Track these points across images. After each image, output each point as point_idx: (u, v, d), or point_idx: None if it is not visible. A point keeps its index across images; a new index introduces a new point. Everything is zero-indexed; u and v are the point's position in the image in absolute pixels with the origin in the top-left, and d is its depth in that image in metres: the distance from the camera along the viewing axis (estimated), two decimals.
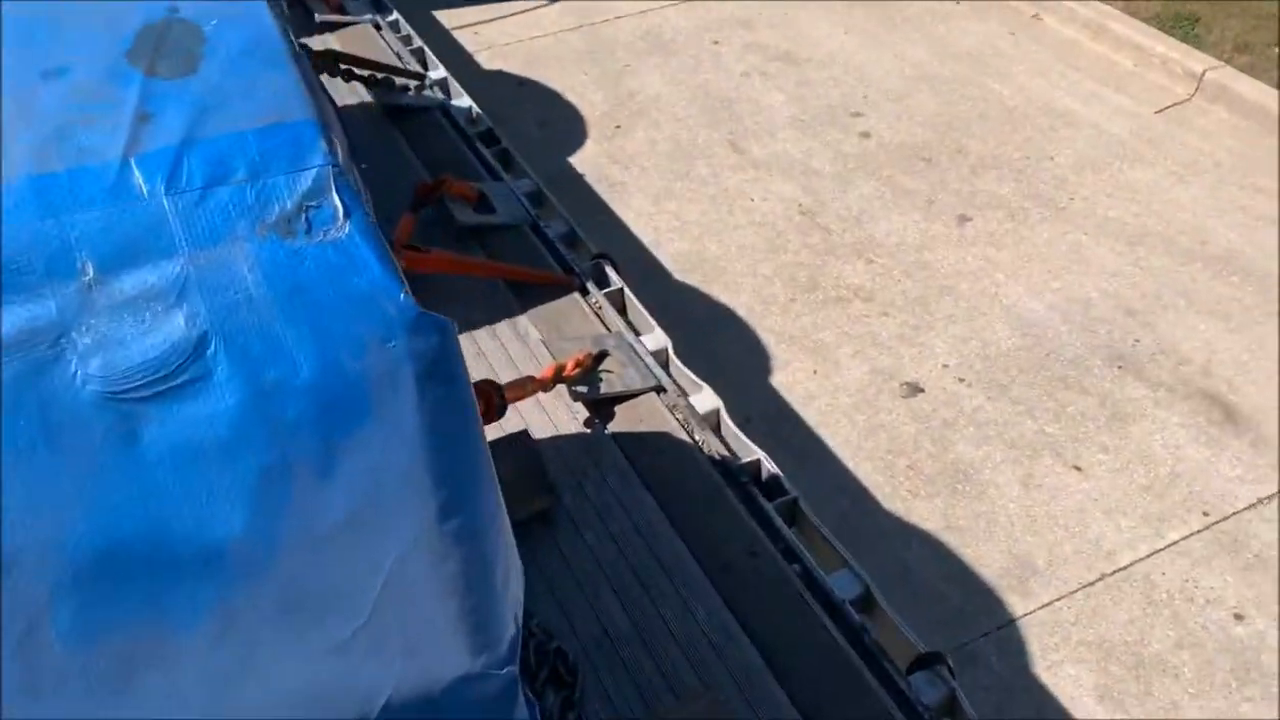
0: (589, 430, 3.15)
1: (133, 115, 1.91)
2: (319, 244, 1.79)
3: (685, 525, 2.99)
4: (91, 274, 1.73)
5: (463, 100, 3.67)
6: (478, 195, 3.31)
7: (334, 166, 1.85)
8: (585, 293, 3.29)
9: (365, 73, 3.45)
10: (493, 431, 2.71)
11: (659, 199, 6.36)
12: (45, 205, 1.77)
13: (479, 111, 3.62)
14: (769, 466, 3.19)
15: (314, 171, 1.84)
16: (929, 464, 4.79)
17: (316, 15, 3.95)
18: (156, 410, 1.67)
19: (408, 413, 1.77)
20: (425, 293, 1.91)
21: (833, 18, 7.94)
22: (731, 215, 6.19)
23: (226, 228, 1.78)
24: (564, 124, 6.96)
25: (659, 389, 3.20)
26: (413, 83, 3.61)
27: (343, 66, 3.36)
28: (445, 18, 8.00)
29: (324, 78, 3.29)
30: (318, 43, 3.88)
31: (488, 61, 7.59)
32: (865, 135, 6.76)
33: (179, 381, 1.68)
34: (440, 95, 3.56)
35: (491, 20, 7.98)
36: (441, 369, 1.80)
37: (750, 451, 3.22)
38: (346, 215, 1.80)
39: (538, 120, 7.00)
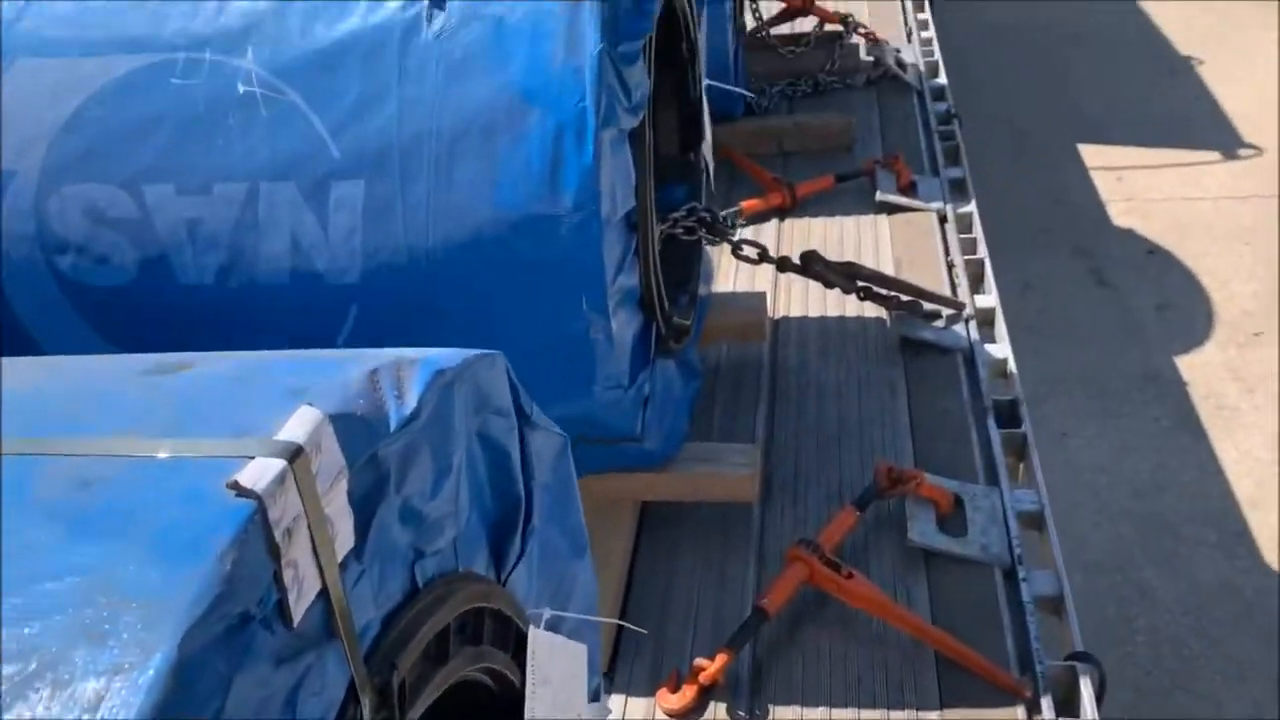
0: None
1: None
2: None
3: None
4: None
5: (1001, 349, 2.81)
6: (953, 503, 2.41)
7: None
8: (1034, 711, 1.96)
9: (884, 291, 2.72)
10: None
11: None
12: None
13: (1014, 370, 2.74)
14: None
15: None
16: None
17: (878, 193, 3.28)
18: None
19: None
20: None
21: None
22: None
23: None
24: (1187, 313, 5.65)
25: None
26: (946, 311, 2.82)
27: (860, 284, 2.67)
28: (1090, 154, 6.93)
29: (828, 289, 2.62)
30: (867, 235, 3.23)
31: (1120, 216, 6.42)
32: None
33: None
34: (972, 336, 2.73)
35: (1144, 167, 6.76)
36: None
37: None
38: None
39: (1156, 302, 5.75)
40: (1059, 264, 6.12)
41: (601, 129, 1.73)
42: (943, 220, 3.34)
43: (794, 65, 4.18)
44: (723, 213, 2.67)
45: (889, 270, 3.16)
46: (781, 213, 3.48)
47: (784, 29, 4.29)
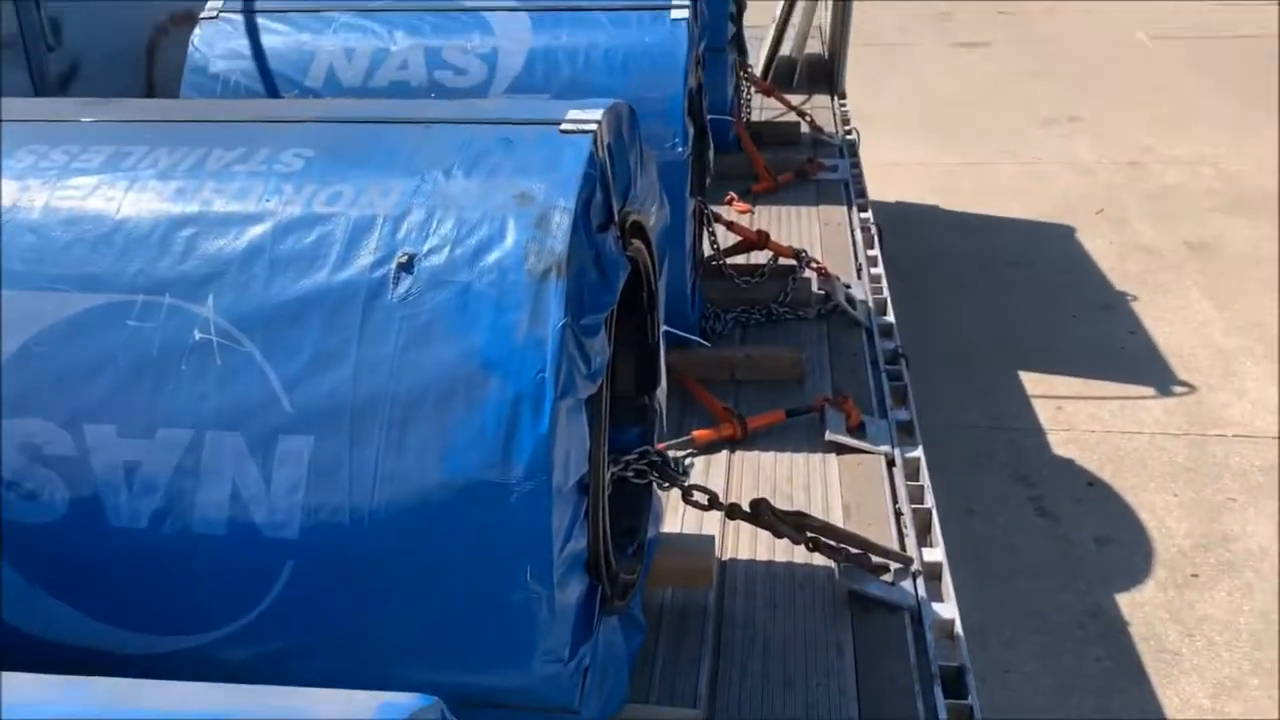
0: None
1: None
2: None
3: None
4: None
5: (948, 608, 2.77)
6: None
7: None
8: None
9: (833, 543, 2.69)
10: None
11: (1222, 692, 4.86)
12: None
13: (960, 632, 2.70)
14: None
15: None
16: None
17: (827, 432, 3.30)
18: None
19: None
20: None
21: None
22: None
23: None
24: (1126, 550, 5.69)
25: None
26: (894, 565, 2.79)
27: (809, 534, 2.64)
28: (1030, 381, 7.10)
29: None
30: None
31: (1060, 445, 6.53)
32: None
33: None
34: (920, 593, 2.70)
35: (1083, 399, 6.93)
36: None
37: None
38: None
39: (1096, 537, 5.79)
40: (1001, 490, 6.18)
41: (559, 399, 1.72)
42: (890, 464, 3.35)
43: (749, 294, 4.27)
44: (674, 454, 2.66)
45: (837, 514, 3.14)
46: (733, 444, 3.47)
47: (740, 259, 4.40)
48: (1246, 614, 5.28)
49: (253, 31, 3.46)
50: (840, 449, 3.40)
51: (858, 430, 3.48)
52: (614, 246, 1.99)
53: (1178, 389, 6.97)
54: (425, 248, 1.81)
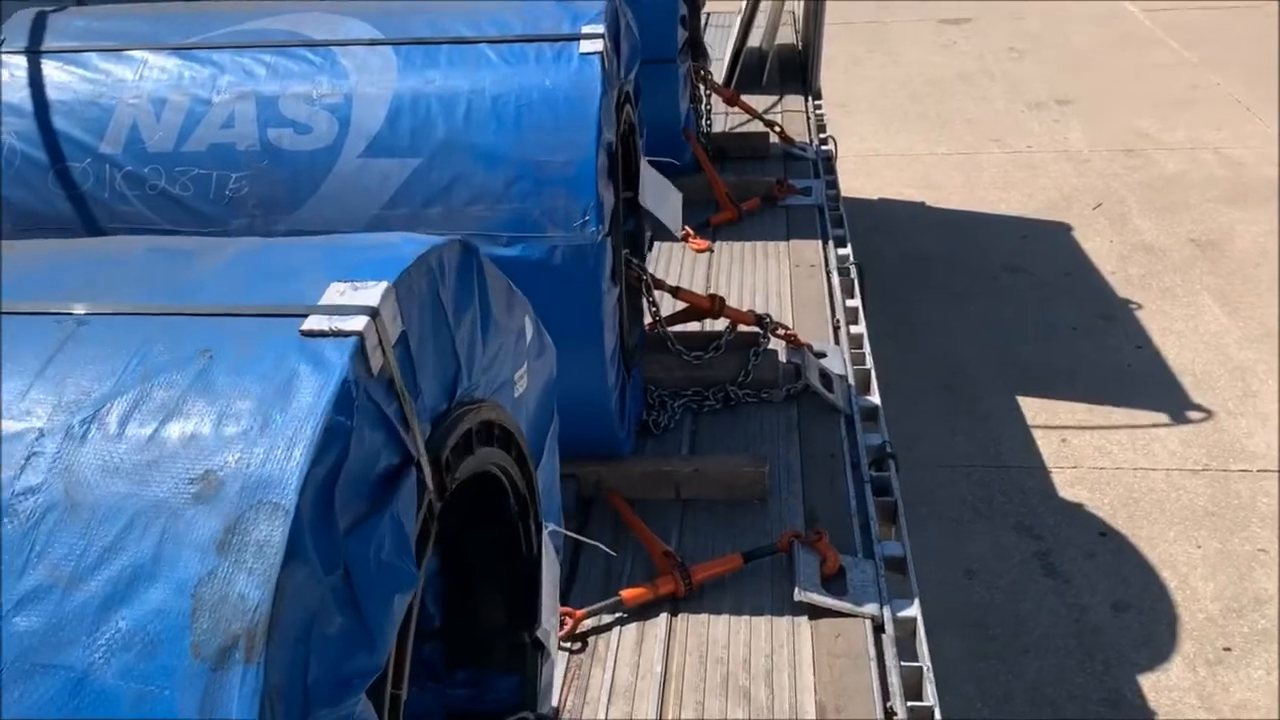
0: None
1: None
2: None
3: None
4: None
5: None
6: None
7: None
8: None
9: None
10: None
11: None
12: None
13: None
14: None
15: None
16: None
17: (796, 590, 2.44)
18: None
19: None
20: None
21: None
22: None
23: None
24: (1146, 618, 4.85)
25: None
26: None
27: None
28: (1031, 409, 6.23)
29: None
30: None
31: (1066, 486, 5.67)
32: None
33: None
34: None
35: (1089, 428, 6.07)
36: None
37: None
38: None
39: (1113, 601, 4.95)
40: (1002, 544, 5.33)
41: None
42: (879, 629, 2.50)
43: (701, 373, 3.39)
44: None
45: (809, 714, 2.29)
46: (675, 602, 2.61)
47: (692, 325, 3.51)
48: None
49: (36, 80, 2.55)
50: (814, 611, 2.53)
51: (836, 579, 2.61)
52: (393, 549, 1.10)
53: (1193, 415, 6.11)
54: (12, 598, 0.93)
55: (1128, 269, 7.54)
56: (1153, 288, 7.28)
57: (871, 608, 2.51)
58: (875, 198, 8.66)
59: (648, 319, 3.33)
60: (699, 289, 4.17)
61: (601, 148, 2.52)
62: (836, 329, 3.75)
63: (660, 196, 3.17)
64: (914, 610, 2.53)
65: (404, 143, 2.46)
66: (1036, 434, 6.08)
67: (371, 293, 1.15)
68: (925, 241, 8.04)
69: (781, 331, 3.47)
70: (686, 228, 4.56)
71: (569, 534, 1.92)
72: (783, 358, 3.49)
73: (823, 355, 3.54)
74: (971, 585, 5.09)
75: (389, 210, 2.43)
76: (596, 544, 2.35)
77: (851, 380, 3.44)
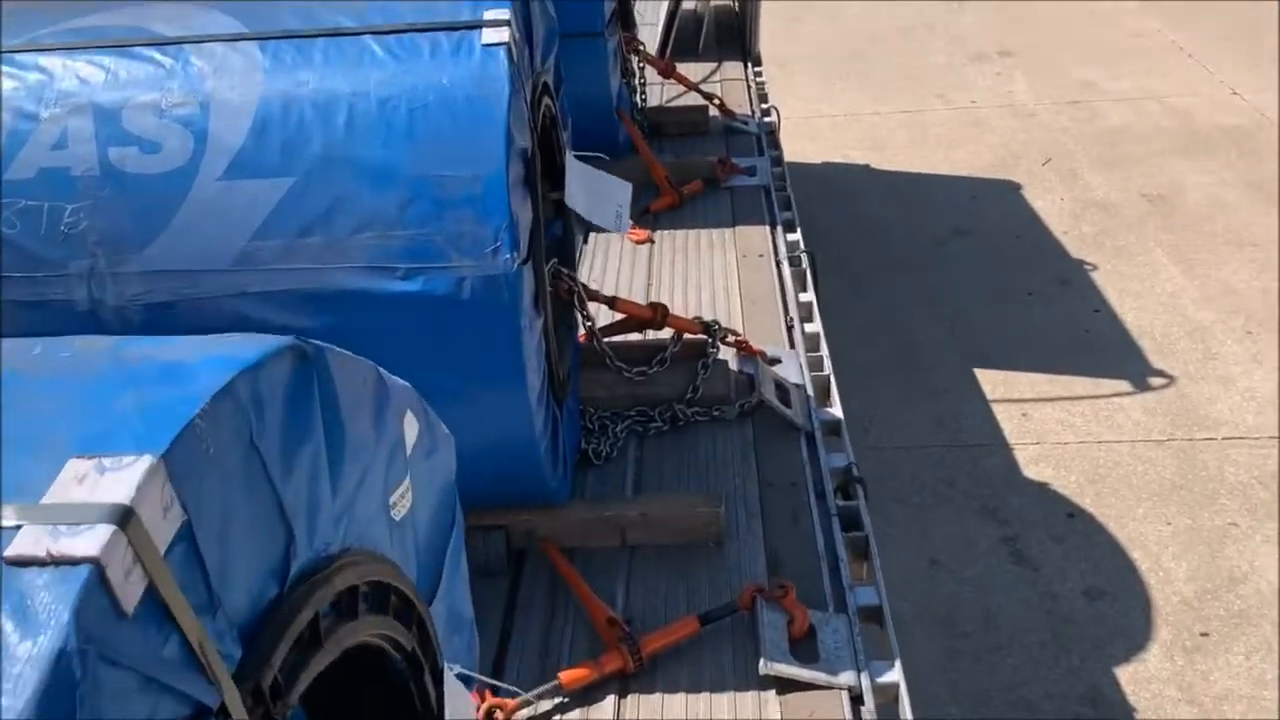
0: None
1: None
2: None
3: None
4: None
5: None
6: None
7: None
8: None
9: None
10: None
11: None
12: None
13: None
14: None
15: None
16: None
17: (762, 661, 2.07)
18: None
19: None
20: None
21: None
22: None
23: None
24: (1121, 604, 4.58)
25: None
26: None
27: None
28: (989, 381, 5.92)
29: None
30: None
31: (1031, 464, 5.37)
32: None
33: None
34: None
35: (1050, 400, 5.77)
36: None
37: None
38: None
39: (1085, 588, 4.67)
40: (967, 530, 5.03)
41: None
42: (857, 701, 2.14)
43: (645, 390, 2.99)
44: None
45: None
46: (623, 680, 2.23)
47: (633, 336, 3.11)
48: (1271, 684, 4.20)
49: None
50: (783, 684, 2.17)
51: (806, 641, 2.25)
52: None
53: (1155, 381, 5.84)
54: None
55: (1080, 227, 7.24)
56: (1107, 247, 6.99)
57: (847, 677, 2.15)
58: (819, 161, 8.27)
59: (582, 332, 2.92)
60: (639, 285, 3.77)
61: (514, 156, 2.08)
62: (790, 328, 3.37)
63: (595, 194, 2.75)
64: (896, 674, 2.17)
65: (273, 159, 2.01)
66: (996, 408, 5.77)
67: (127, 475, 0.73)
68: (872, 206, 7.68)
69: (731, 339, 3.07)
70: None
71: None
72: (734, 366, 3.10)
73: (777, 361, 3.15)
74: (938, 576, 4.79)
75: (259, 242, 1.99)
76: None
77: (810, 389, 3.06)
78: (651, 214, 4.15)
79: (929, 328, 6.35)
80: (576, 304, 2.79)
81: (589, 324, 2.85)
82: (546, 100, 2.53)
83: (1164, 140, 8.17)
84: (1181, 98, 8.71)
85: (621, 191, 2.83)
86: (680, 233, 4.02)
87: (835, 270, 6.58)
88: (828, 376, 3.14)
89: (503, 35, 2.07)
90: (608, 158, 2.92)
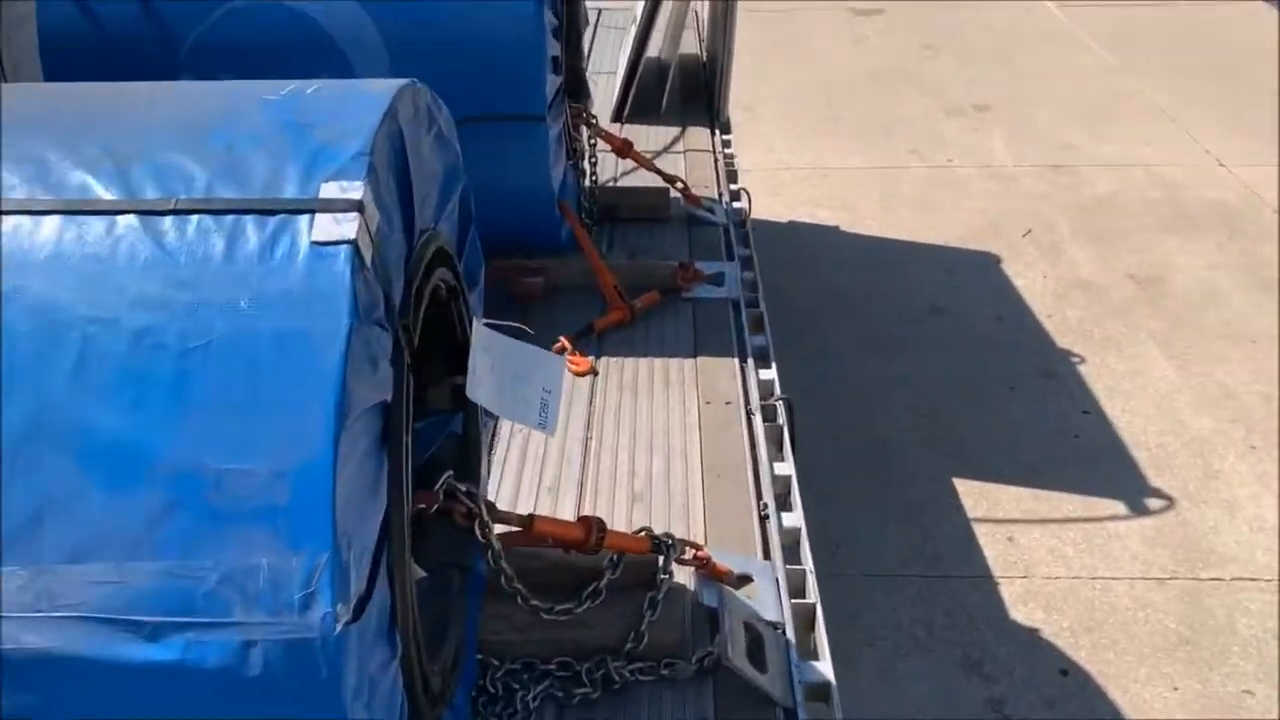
0: None
1: None
2: None
3: None
4: None
5: None
6: None
7: None
8: None
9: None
10: None
11: None
12: None
13: None
14: None
15: None
16: None
17: None
18: None
19: None
20: None
21: None
22: None
23: None
24: None
25: None
26: None
27: None
28: (970, 495, 5.18)
29: None
30: None
31: (1018, 604, 4.63)
32: None
33: None
34: None
35: (1037, 523, 5.04)
36: None
37: None
38: None
39: None
40: (949, 688, 4.27)
41: None
42: None
43: (569, 635, 2.18)
44: None
45: None
46: None
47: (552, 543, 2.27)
48: None
49: None
50: None
51: None
52: None
53: (1153, 503, 5.14)
54: None
55: (1064, 311, 6.54)
56: (1094, 336, 6.30)
57: None
58: (785, 220, 7.52)
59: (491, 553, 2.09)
60: (575, 439, 2.96)
61: (355, 425, 1.26)
62: (765, 519, 2.57)
63: (512, 377, 1.94)
64: None
65: None
66: (979, 529, 5.03)
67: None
68: (842, 276, 6.93)
69: (690, 553, 2.27)
70: (563, 339, 3.33)
71: None
72: (691, 586, 2.30)
73: (747, 580, 2.36)
74: None
75: None
76: None
77: (790, 623, 2.26)
78: (596, 334, 3.33)
79: (903, 425, 5.60)
80: (479, 532, 1.97)
81: (495, 556, 2.03)
82: (437, 273, 1.71)
83: (1150, 214, 7.52)
84: (1167, 167, 8.07)
85: (550, 371, 2.01)
86: (630, 362, 3.21)
87: (801, 349, 5.83)
88: (814, 606, 2.35)
89: (347, 230, 1.24)
90: (530, 331, 2.10)
